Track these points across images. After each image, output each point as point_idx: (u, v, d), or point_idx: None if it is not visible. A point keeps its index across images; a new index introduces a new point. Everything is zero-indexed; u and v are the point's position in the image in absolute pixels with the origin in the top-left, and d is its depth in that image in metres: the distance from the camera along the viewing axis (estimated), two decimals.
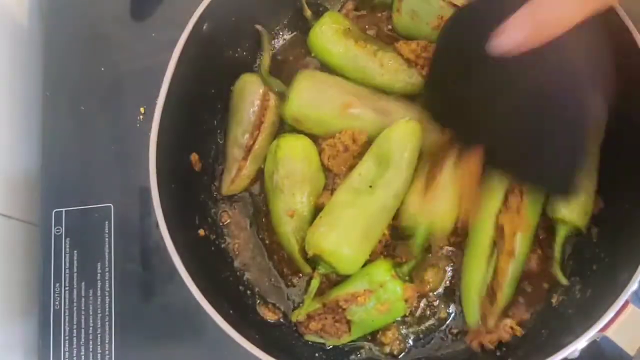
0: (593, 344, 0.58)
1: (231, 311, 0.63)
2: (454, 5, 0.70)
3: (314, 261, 0.68)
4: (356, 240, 0.65)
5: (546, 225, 0.70)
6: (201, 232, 0.71)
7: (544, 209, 0.69)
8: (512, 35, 0.51)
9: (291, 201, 0.69)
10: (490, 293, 0.66)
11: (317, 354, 0.68)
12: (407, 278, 0.67)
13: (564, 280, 0.67)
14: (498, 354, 0.67)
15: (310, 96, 0.71)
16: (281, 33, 0.80)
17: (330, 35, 0.73)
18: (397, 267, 0.67)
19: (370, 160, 0.68)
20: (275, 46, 0.80)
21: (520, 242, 0.66)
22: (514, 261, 0.66)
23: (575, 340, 0.56)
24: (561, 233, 0.68)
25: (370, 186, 0.66)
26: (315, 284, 0.67)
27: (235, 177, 0.73)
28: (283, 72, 0.77)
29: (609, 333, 0.56)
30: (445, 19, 0.69)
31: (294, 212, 0.69)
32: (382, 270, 0.66)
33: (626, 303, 0.56)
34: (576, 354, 0.57)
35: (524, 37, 0.51)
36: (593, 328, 0.55)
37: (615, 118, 0.61)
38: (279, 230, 0.71)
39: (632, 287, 0.56)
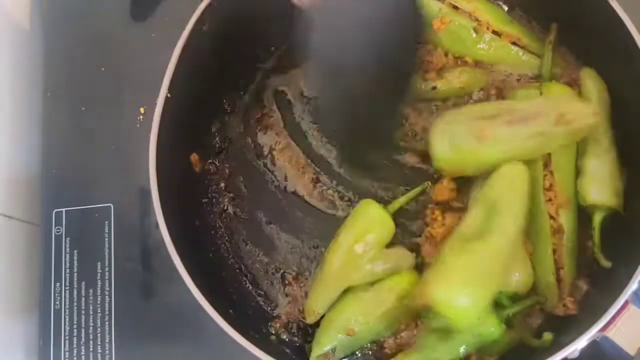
0: (593, 344, 0.58)
1: (231, 311, 0.64)
2: None
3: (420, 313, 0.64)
4: (472, 288, 0.59)
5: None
6: (201, 231, 0.71)
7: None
8: None
9: None
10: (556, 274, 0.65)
11: None
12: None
13: (606, 263, 0.64)
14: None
15: (445, 142, 0.67)
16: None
17: None
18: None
19: (478, 210, 0.64)
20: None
21: (565, 217, 0.65)
22: (565, 237, 0.65)
23: (575, 339, 0.56)
24: (597, 218, 0.66)
25: (480, 235, 0.61)
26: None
27: None
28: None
29: (609, 333, 0.56)
30: None
31: None
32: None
33: (626, 303, 0.56)
34: (576, 354, 0.57)
35: None
36: (593, 328, 0.55)
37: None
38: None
39: (632, 287, 0.56)
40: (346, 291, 0.67)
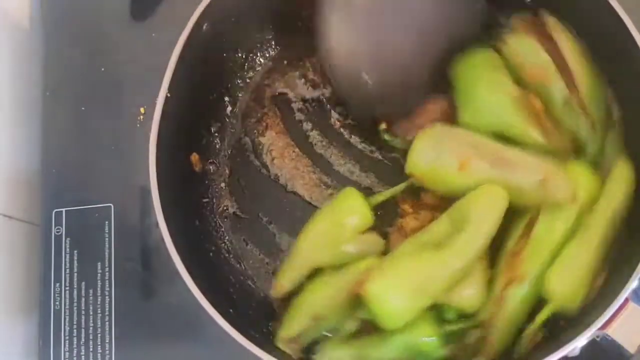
0: (593, 342, 0.58)
1: (231, 311, 0.64)
2: None
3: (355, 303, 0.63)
4: (406, 293, 0.59)
5: None
6: (201, 231, 0.71)
7: None
8: None
9: None
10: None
11: None
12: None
13: (519, 354, 0.62)
14: None
15: (428, 154, 0.65)
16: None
17: None
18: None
19: (446, 220, 0.63)
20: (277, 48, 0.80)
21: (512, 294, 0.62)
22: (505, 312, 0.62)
23: (575, 338, 0.56)
24: (545, 311, 0.61)
25: (438, 245, 0.61)
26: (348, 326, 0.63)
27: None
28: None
29: (609, 331, 0.56)
30: None
31: None
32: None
33: (626, 301, 0.56)
34: (576, 352, 0.57)
35: None
36: (593, 326, 0.55)
37: None
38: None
39: (632, 285, 0.56)
40: (314, 276, 0.67)
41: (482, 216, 0.61)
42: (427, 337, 0.61)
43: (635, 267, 0.56)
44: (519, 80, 0.68)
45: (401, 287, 0.59)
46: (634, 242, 0.61)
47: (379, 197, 0.71)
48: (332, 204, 0.70)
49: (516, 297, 0.62)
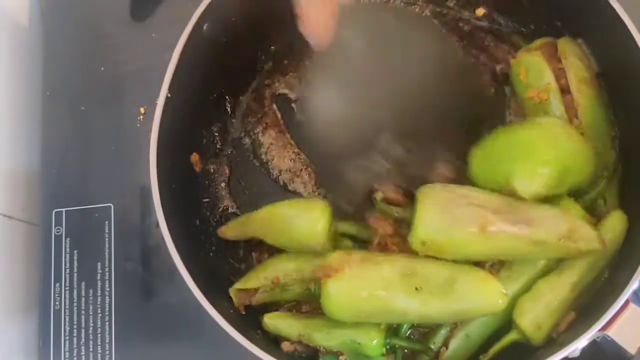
0: (594, 343, 0.58)
1: (231, 310, 0.64)
2: None
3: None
4: (358, 302, 0.60)
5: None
6: (201, 231, 0.71)
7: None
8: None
9: None
10: None
11: None
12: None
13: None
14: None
15: (438, 220, 0.59)
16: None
17: None
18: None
19: (441, 272, 0.60)
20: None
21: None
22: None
23: (576, 339, 0.56)
24: (508, 338, 0.62)
25: (417, 289, 0.59)
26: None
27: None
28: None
29: (610, 332, 0.56)
30: None
31: None
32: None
33: (627, 302, 0.56)
34: (577, 353, 0.57)
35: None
36: (594, 327, 0.55)
37: None
38: None
39: (633, 287, 0.56)
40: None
41: (474, 303, 0.59)
42: (370, 341, 0.61)
43: (636, 268, 0.56)
44: (521, 101, 0.69)
45: (356, 296, 0.59)
46: (634, 243, 0.61)
47: (347, 227, 0.68)
48: (296, 207, 0.67)
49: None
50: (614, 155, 0.66)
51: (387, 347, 0.63)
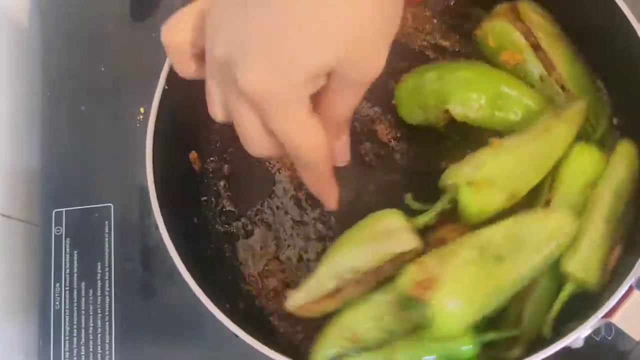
0: (597, 331, 0.57)
1: (232, 310, 0.63)
2: None
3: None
4: (472, 303, 0.57)
5: None
6: (201, 230, 0.71)
7: None
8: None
9: None
10: None
11: None
12: None
13: (548, 334, 0.61)
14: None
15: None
16: None
17: None
18: None
19: (502, 231, 0.59)
20: None
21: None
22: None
23: (579, 327, 0.55)
24: (566, 290, 0.60)
25: (498, 257, 0.58)
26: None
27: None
28: None
29: (614, 319, 0.56)
30: None
31: None
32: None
33: (630, 289, 0.55)
34: (580, 342, 0.56)
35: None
36: (597, 314, 0.55)
37: None
38: None
39: (637, 273, 0.55)
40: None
41: (545, 248, 0.58)
42: (466, 346, 0.58)
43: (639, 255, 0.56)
44: (496, 65, 0.70)
45: (468, 297, 0.56)
46: (638, 230, 0.61)
47: (423, 219, 0.63)
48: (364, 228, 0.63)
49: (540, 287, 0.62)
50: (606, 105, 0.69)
51: (480, 345, 0.59)
